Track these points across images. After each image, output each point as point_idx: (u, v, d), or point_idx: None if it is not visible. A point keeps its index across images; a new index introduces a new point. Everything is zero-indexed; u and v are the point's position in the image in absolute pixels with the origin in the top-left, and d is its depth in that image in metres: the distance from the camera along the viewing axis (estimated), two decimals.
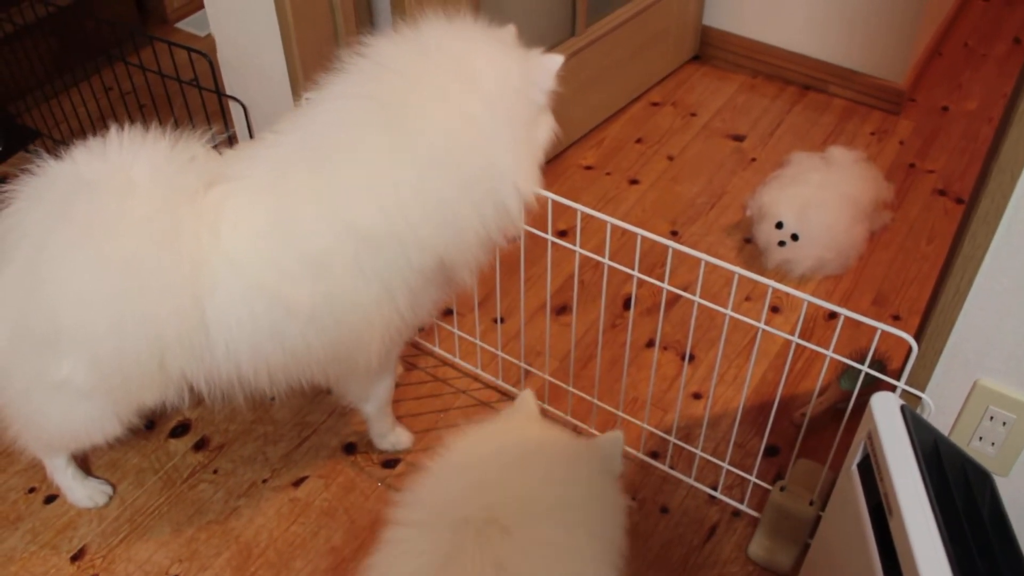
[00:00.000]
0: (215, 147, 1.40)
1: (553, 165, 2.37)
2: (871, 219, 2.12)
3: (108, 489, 1.71)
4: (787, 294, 2.00)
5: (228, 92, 1.86)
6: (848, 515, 1.10)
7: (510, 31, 1.42)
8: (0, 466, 1.75)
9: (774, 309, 2.01)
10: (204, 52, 1.78)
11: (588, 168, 2.37)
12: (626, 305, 2.02)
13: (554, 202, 1.51)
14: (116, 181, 1.30)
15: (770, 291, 1.37)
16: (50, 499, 1.70)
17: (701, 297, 1.45)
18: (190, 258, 1.30)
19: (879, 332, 1.30)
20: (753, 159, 2.38)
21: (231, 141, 1.55)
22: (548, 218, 1.51)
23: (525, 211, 1.39)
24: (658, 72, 2.59)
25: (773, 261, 2.06)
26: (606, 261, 1.49)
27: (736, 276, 1.37)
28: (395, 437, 1.75)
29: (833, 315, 1.99)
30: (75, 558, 1.61)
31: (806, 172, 2.11)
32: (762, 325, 1.41)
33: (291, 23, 1.65)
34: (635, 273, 1.47)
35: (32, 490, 1.71)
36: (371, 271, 1.34)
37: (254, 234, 1.32)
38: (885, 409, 1.05)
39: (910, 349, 1.29)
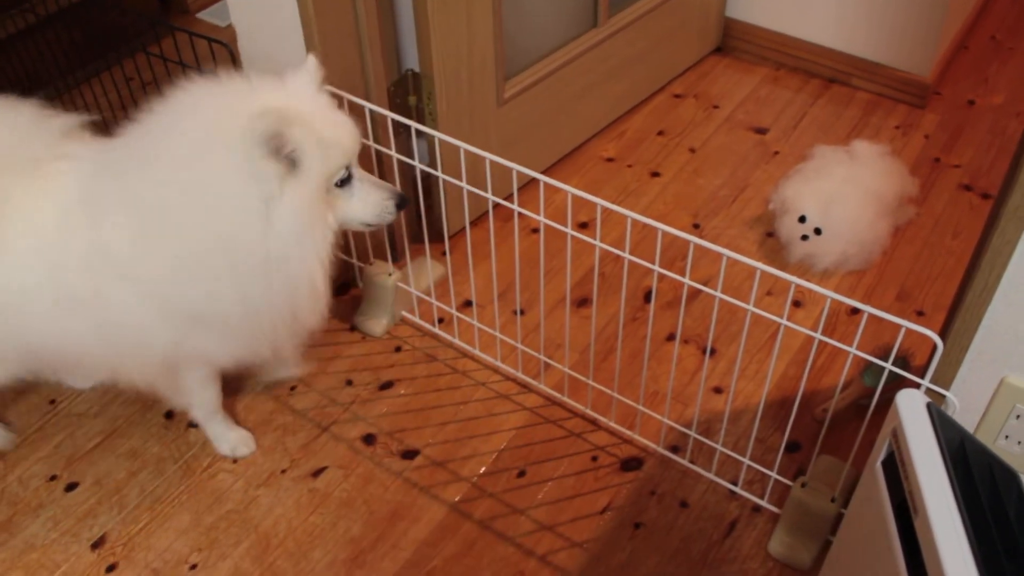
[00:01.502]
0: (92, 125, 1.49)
1: (573, 157, 2.36)
2: (895, 214, 2.10)
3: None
4: (810, 289, 1.99)
5: None
6: (871, 513, 1.09)
7: (307, 66, 1.37)
8: (22, 453, 1.76)
9: (796, 304, 1.99)
10: (225, 42, 1.78)
11: (609, 160, 2.35)
12: (647, 298, 2.00)
13: (574, 194, 1.50)
14: None
15: (793, 287, 1.35)
16: (71, 487, 1.71)
17: (722, 292, 1.44)
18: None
19: (903, 329, 1.29)
20: (776, 152, 2.36)
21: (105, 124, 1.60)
22: (568, 212, 1.50)
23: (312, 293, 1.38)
24: (680, 64, 2.58)
25: (796, 255, 2.04)
26: (626, 255, 1.48)
27: (758, 272, 1.36)
28: (231, 444, 1.74)
29: (856, 311, 1.97)
30: (95, 546, 1.62)
31: (830, 166, 2.09)
32: (784, 321, 1.40)
33: (312, 13, 1.64)
34: (656, 268, 1.45)
35: (53, 478, 1.72)
36: (124, 305, 1.39)
37: (56, 223, 1.39)
38: (911, 406, 1.04)
39: (935, 347, 1.27)
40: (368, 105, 1.66)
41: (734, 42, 2.64)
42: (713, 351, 1.90)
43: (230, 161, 1.26)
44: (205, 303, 1.37)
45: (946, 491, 0.96)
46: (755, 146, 2.38)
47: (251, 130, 1.23)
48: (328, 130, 1.32)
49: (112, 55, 2.28)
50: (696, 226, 2.16)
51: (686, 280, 1.44)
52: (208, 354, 1.51)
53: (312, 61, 1.37)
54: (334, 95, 1.68)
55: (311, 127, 1.28)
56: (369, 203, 1.40)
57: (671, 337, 1.92)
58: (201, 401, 1.68)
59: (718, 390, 1.83)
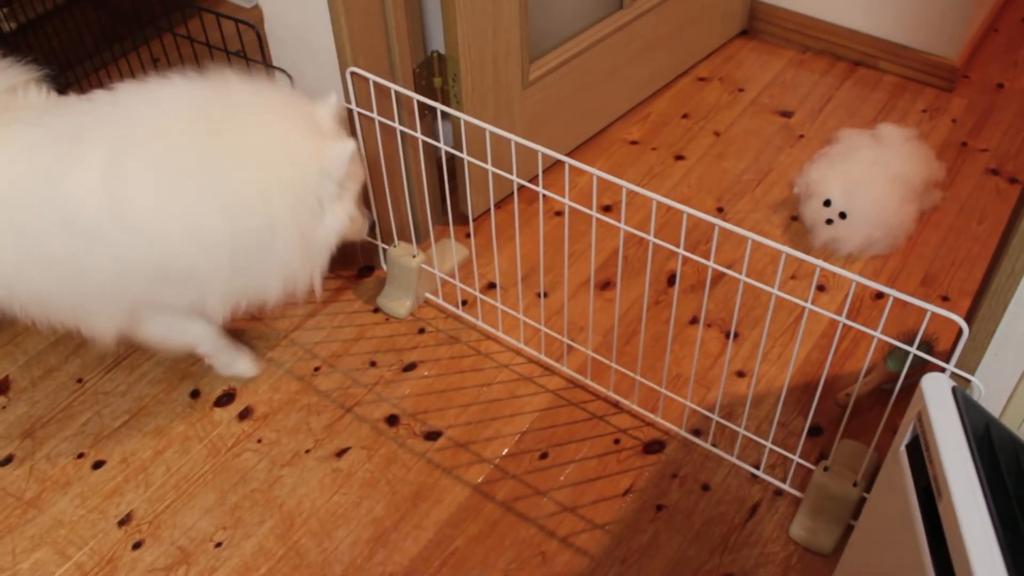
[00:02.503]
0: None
1: (598, 140, 2.35)
2: (921, 198, 2.08)
3: None
4: (833, 273, 1.99)
5: (275, 63, 1.86)
6: (895, 497, 1.09)
7: (329, 103, 1.53)
8: (50, 431, 1.78)
9: (820, 288, 1.98)
10: (251, 23, 1.78)
11: (633, 143, 2.35)
12: (670, 281, 2.00)
13: (599, 177, 1.49)
14: None
15: (818, 271, 1.35)
16: (98, 464, 1.73)
17: (746, 275, 1.43)
18: None
19: (929, 314, 1.28)
20: (801, 136, 2.35)
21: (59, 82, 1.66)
22: (593, 195, 1.50)
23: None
24: (706, 47, 2.56)
25: (820, 239, 2.03)
26: (651, 239, 1.48)
27: (783, 256, 1.35)
28: (238, 367, 1.84)
29: (880, 295, 1.96)
30: (122, 523, 1.64)
31: (855, 149, 2.07)
32: (808, 305, 1.39)
33: None
34: (680, 251, 1.45)
35: (81, 455, 1.74)
36: (94, 255, 1.45)
37: (28, 174, 1.44)
38: (936, 390, 1.04)
39: (960, 331, 1.27)
40: (394, 87, 1.66)
41: (760, 24, 2.62)
42: (736, 335, 1.89)
43: (309, 182, 1.46)
44: (220, 268, 1.48)
45: (971, 475, 0.95)
46: (780, 129, 2.37)
47: (332, 165, 1.46)
48: (359, 162, 1.56)
49: (140, 36, 2.29)
50: (720, 210, 2.16)
51: (711, 263, 1.44)
52: (175, 304, 1.59)
53: (335, 98, 1.54)
54: (361, 77, 1.69)
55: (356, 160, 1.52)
56: (357, 223, 1.60)
57: (694, 320, 1.92)
58: (197, 339, 1.75)
59: (741, 374, 1.83)
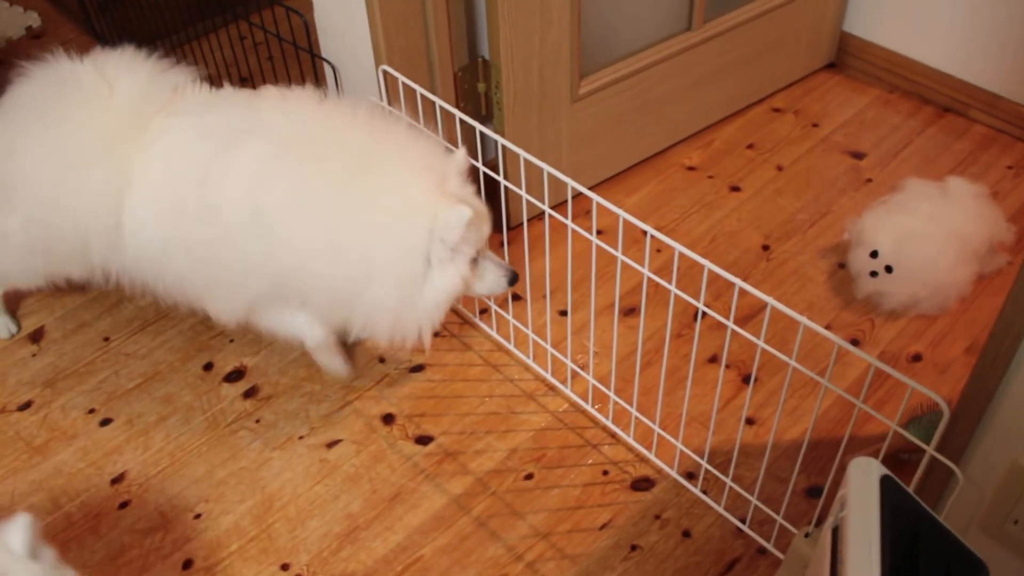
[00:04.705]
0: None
1: (653, 161, 2.29)
2: (982, 261, 1.95)
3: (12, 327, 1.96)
4: (871, 326, 1.90)
5: (323, 54, 1.88)
6: None
7: (459, 158, 1.50)
8: (69, 384, 1.86)
9: (855, 342, 1.89)
10: (300, 12, 1.81)
11: (690, 169, 2.28)
12: (696, 316, 1.94)
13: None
14: (98, 86, 1.56)
15: (836, 348, 1.28)
16: (105, 422, 1.79)
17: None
18: (122, 167, 1.54)
19: (910, 390, 1.20)
20: (869, 180, 2.23)
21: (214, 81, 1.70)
22: (619, 235, 1.46)
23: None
24: (785, 76, 2.46)
25: (863, 291, 1.93)
26: (672, 289, 1.43)
27: (801, 327, 1.29)
28: (335, 366, 1.83)
29: (918, 357, 1.86)
30: (115, 481, 1.70)
31: (917, 201, 1.95)
32: (825, 382, 1.32)
33: None
34: (700, 305, 1.39)
35: (92, 411, 1.81)
36: (229, 249, 1.52)
37: (187, 163, 1.53)
38: (863, 476, 0.97)
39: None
40: (420, 89, 1.66)
41: (849, 59, 2.51)
42: (756, 379, 1.82)
43: (415, 238, 1.45)
44: (319, 292, 1.54)
45: (873, 570, 0.89)
46: (847, 171, 2.26)
47: (444, 230, 1.43)
48: (479, 224, 1.49)
49: (225, 17, 2.36)
50: (766, 247, 2.07)
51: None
52: (288, 302, 1.64)
53: (462, 154, 1.51)
54: (391, 76, 1.69)
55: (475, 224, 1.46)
56: (488, 280, 1.57)
57: (714, 359, 1.86)
58: (306, 334, 1.75)
59: (751, 421, 1.76)
